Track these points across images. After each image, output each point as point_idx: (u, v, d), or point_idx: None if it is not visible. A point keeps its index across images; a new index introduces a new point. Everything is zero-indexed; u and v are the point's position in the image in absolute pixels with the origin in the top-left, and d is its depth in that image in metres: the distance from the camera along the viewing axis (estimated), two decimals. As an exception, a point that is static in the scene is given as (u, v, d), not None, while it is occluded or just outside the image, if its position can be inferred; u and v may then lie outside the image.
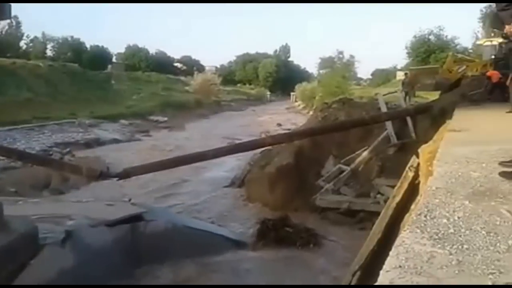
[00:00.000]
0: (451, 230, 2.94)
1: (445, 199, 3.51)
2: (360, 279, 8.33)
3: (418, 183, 8.64)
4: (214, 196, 18.75)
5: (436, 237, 2.84)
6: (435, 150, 8.26)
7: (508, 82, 14.74)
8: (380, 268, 7.73)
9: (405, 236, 2.85)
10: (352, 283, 8.34)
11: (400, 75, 77.84)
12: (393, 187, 15.71)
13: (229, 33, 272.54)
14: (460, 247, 2.69)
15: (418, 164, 9.21)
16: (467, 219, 3.09)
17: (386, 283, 2.27)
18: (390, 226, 8.72)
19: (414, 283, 2.23)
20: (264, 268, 12.28)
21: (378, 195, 16.31)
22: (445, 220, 3.09)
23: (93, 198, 15.90)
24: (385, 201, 15.22)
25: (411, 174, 9.16)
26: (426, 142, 15.45)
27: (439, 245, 2.70)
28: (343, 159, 18.41)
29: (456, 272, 2.37)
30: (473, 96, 19.60)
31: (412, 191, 8.98)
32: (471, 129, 8.71)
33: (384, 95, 20.95)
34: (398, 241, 2.81)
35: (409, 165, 9.58)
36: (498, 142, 6.58)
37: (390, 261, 2.55)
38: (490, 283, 2.24)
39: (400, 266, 2.45)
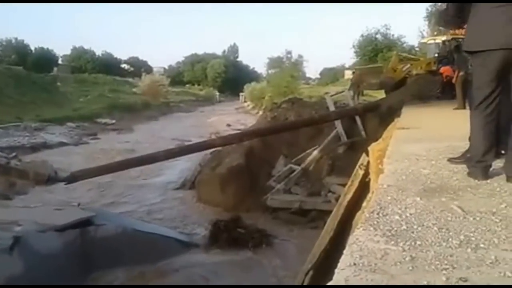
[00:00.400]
0: (404, 227, 2.95)
1: (396, 196, 3.54)
2: (313, 278, 8.34)
3: (369, 181, 8.74)
4: (164, 199, 18.49)
5: (389, 234, 2.84)
6: (384, 148, 8.35)
7: (454, 80, 15.12)
8: (334, 267, 7.78)
9: (359, 234, 2.84)
10: (305, 283, 8.32)
11: (348, 74, 78.96)
12: (343, 185, 15.92)
13: (176, 33, 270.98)
14: (413, 243, 2.69)
15: (368, 162, 9.31)
16: (419, 216, 3.12)
17: (341, 281, 2.26)
18: (342, 224, 8.76)
19: (369, 281, 2.22)
20: (216, 270, 12.14)
21: (329, 194, 16.47)
22: (397, 217, 3.10)
23: (41, 203, 15.52)
24: (336, 200, 15.42)
25: (361, 172, 9.23)
26: (375, 140, 15.78)
27: (392, 242, 2.70)
28: (293, 158, 18.50)
29: (410, 268, 2.37)
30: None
31: (363, 188, 9.06)
32: (420, 127, 8.89)
33: (332, 95, 21.15)
34: (351, 239, 2.80)
35: (359, 163, 9.65)
36: (446, 139, 6.72)
37: (344, 260, 2.53)
38: (444, 279, 2.24)
39: (354, 264, 2.44)
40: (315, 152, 18.17)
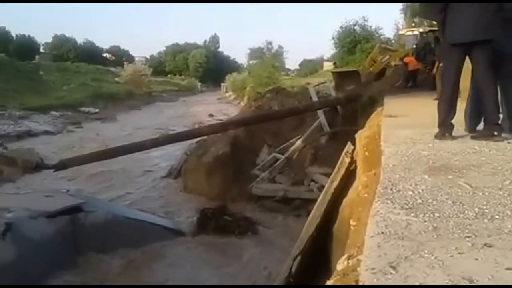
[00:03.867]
0: (419, 201, 3.06)
1: (404, 174, 3.65)
2: (301, 262, 8.56)
3: (355, 169, 8.87)
4: (152, 187, 18.62)
5: (407, 207, 2.95)
6: (372, 135, 8.47)
7: (434, 71, 15.38)
8: (321, 252, 7.97)
9: (378, 207, 2.95)
10: (293, 268, 8.52)
11: (327, 66, 79.16)
12: (326, 175, 16.26)
13: (157, 22, 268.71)
14: (431, 215, 2.80)
15: (354, 149, 9.45)
16: (431, 191, 3.22)
17: (374, 247, 2.36)
18: (328, 211, 8.96)
19: (400, 247, 2.34)
20: (203, 256, 12.39)
21: (312, 183, 16.70)
22: (410, 193, 3.21)
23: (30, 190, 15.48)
24: (319, 189, 15.75)
25: (347, 160, 9.35)
26: (357, 129, 16.01)
27: (412, 214, 2.81)
28: (277, 148, 18.69)
29: (435, 236, 2.48)
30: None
31: (349, 176, 9.18)
32: (408, 115, 9.01)
33: (314, 85, 21.25)
34: (372, 211, 2.91)
35: (345, 151, 9.78)
36: (435, 125, 6.83)
37: (371, 228, 2.64)
38: (469, 244, 2.37)
39: (382, 233, 2.53)
40: (299, 142, 18.40)
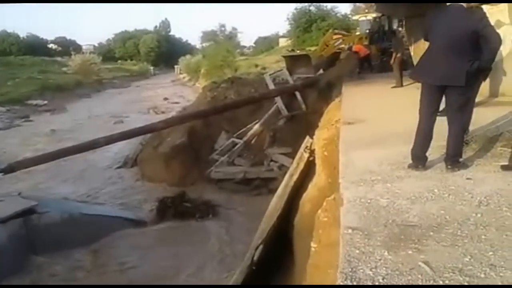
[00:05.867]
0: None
1: (364, 248, 3.55)
2: (263, 251, 8.87)
3: (314, 163, 9.02)
4: (108, 178, 18.50)
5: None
6: (330, 137, 8.54)
7: (392, 61, 15.68)
8: (282, 241, 8.04)
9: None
10: (255, 257, 8.81)
11: (283, 42, 79.02)
12: (285, 154, 16.59)
13: (103, 11, 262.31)
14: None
15: (311, 144, 9.56)
16: (391, 277, 3.16)
17: None
18: (289, 203, 9.40)
19: None
20: (163, 240, 12.61)
21: (272, 163, 17.21)
22: (369, 282, 3.15)
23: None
24: (279, 168, 16.20)
25: (306, 156, 9.65)
26: (315, 113, 16.11)
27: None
28: (235, 133, 19.03)
29: None
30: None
31: (308, 169, 9.57)
32: (364, 119, 8.91)
33: (270, 74, 21.20)
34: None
35: (303, 146, 9.97)
36: (393, 140, 6.81)
37: None
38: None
39: None
40: (257, 126, 18.79)
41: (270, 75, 21.07)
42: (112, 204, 15.36)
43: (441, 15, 5.51)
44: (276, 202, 9.54)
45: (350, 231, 3.88)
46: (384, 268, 3.23)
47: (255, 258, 8.76)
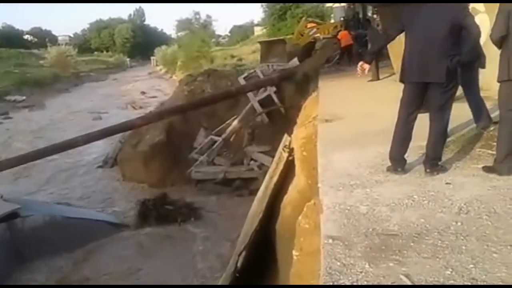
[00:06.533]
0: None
1: (345, 260, 3.56)
2: (246, 258, 8.82)
3: (293, 163, 8.92)
4: (89, 179, 18.39)
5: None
6: (308, 136, 8.48)
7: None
8: (265, 246, 7.99)
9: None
10: (239, 263, 8.76)
11: (258, 31, 78.77)
12: (264, 153, 16.46)
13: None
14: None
15: (290, 142, 9.48)
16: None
17: None
18: (270, 205, 9.30)
19: None
20: (146, 248, 12.51)
21: (252, 162, 17.13)
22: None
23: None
24: (259, 167, 16.08)
25: (285, 155, 9.50)
26: (292, 107, 16.07)
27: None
28: (213, 130, 18.95)
29: None
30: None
31: (288, 170, 9.43)
32: (342, 117, 8.85)
33: (244, 77, 21.00)
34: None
35: (282, 145, 9.87)
36: (372, 139, 6.82)
37: None
38: None
39: None
40: (235, 122, 18.74)
41: (244, 78, 20.85)
42: (94, 206, 15.31)
43: (420, 8, 5.36)
44: (257, 206, 9.48)
45: (330, 241, 3.84)
46: (365, 282, 3.23)
47: (239, 264, 8.72)
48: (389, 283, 3.22)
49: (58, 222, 12.58)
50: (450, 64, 5.16)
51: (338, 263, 3.54)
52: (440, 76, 5.18)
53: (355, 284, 3.20)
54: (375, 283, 3.23)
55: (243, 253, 8.78)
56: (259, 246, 8.97)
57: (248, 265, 8.77)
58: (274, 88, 18.97)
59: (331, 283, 3.25)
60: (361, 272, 3.40)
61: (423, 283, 3.19)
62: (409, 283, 3.20)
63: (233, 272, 8.67)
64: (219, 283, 8.99)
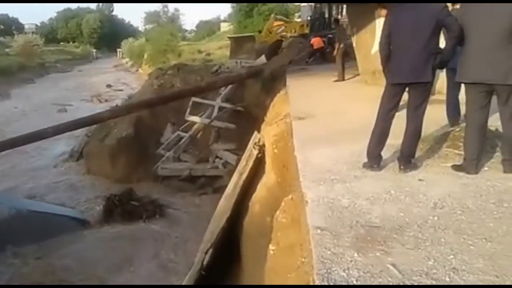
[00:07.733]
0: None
1: (334, 249, 3.71)
2: (212, 255, 8.76)
3: (263, 160, 9.01)
4: (54, 173, 18.11)
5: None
6: (280, 133, 8.58)
7: (335, 53, 15.63)
8: (232, 244, 8.06)
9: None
10: (205, 261, 8.70)
11: (224, 27, 78.81)
12: (230, 151, 16.51)
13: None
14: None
15: (260, 140, 9.54)
16: (364, 279, 3.34)
17: None
18: (238, 203, 9.21)
19: None
20: (109, 245, 12.34)
21: (217, 160, 17.14)
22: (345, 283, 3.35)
23: None
24: (223, 165, 16.16)
25: (255, 152, 9.45)
26: (258, 105, 16.17)
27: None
28: (181, 126, 18.79)
29: None
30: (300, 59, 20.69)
31: (257, 167, 9.38)
32: (314, 115, 8.99)
33: (214, 72, 21.13)
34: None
35: (252, 142, 9.86)
36: (344, 137, 7.09)
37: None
38: None
39: None
40: (200, 120, 18.53)
41: (213, 72, 20.89)
42: (58, 201, 15.03)
43: (402, 9, 5.53)
44: (225, 203, 9.40)
45: (319, 231, 4.01)
46: (356, 270, 3.37)
47: (205, 262, 8.69)
48: (377, 272, 3.41)
49: (23, 215, 12.32)
50: (434, 63, 5.37)
51: (329, 252, 3.69)
52: (427, 75, 5.40)
53: (349, 282, 3.32)
54: (365, 272, 3.40)
55: (210, 251, 8.75)
56: (224, 244, 8.95)
57: (213, 263, 8.76)
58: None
59: (324, 271, 3.43)
60: (351, 260, 3.56)
61: (409, 273, 3.37)
62: (396, 272, 3.40)
63: (199, 269, 8.64)
64: (184, 281, 8.88)
